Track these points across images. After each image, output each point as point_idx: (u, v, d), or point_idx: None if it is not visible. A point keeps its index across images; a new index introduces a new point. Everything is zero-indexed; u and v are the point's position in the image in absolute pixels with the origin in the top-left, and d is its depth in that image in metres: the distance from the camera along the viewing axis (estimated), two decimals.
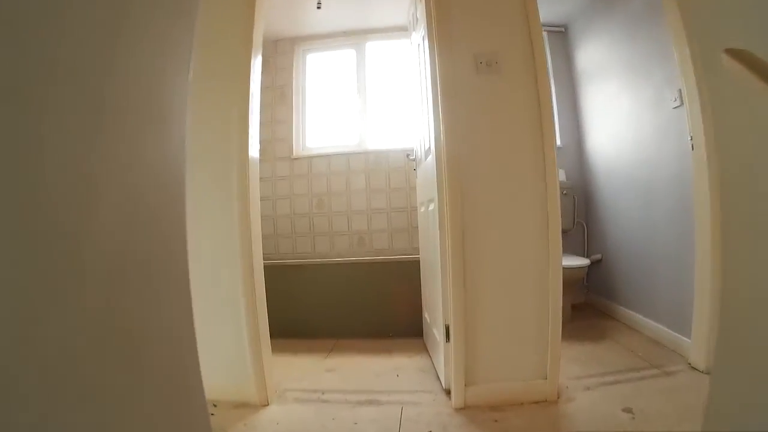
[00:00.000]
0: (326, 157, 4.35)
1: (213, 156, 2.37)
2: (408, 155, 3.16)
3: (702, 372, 2.36)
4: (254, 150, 2.41)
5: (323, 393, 2.46)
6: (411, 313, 3.36)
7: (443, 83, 2.16)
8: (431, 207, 2.50)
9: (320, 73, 4.62)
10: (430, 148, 2.40)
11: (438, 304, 2.42)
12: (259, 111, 2.56)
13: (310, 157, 4.40)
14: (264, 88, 4.40)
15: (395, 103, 4.36)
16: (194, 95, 2.35)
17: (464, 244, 2.18)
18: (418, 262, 3.31)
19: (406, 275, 3.41)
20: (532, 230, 2.19)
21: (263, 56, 2.78)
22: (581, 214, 4.12)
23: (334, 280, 3.54)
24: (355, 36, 4.46)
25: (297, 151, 4.48)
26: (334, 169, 4.32)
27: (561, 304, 2.18)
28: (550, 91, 2.22)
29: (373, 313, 3.45)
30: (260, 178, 4.55)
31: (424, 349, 3.06)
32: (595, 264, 3.83)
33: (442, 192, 2.23)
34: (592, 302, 3.99)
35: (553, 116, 2.24)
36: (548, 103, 2.14)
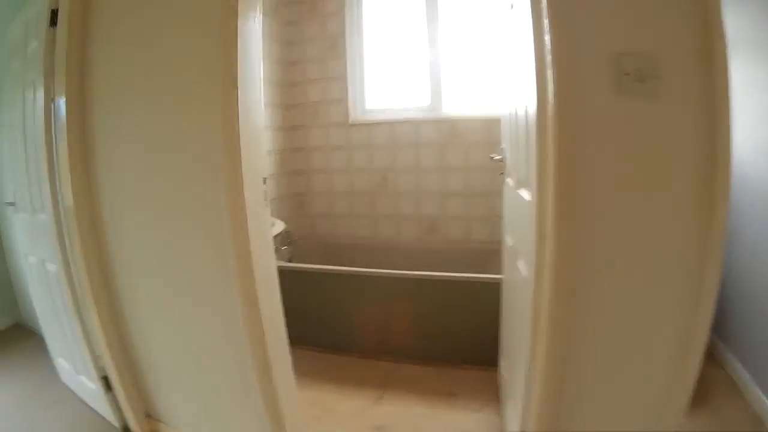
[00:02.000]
0: (390, 124, 3.64)
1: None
2: (492, 157, 2.38)
3: None
4: (254, 115, 1.62)
5: None
6: (484, 338, 2.76)
7: (559, 111, 1.23)
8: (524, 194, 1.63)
9: (381, 19, 3.76)
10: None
11: (522, 330, 1.57)
12: (267, 60, 1.89)
13: (371, 124, 3.70)
14: (309, 39, 3.68)
15: (476, 57, 3.53)
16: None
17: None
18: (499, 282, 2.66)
19: (483, 295, 2.76)
20: None
21: None
22: None
23: (395, 292, 2.95)
24: None
25: (355, 115, 3.76)
26: (400, 139, 3.62)
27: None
28: (731, 130, 1.16)
29: (437, 334, 2.88)
30: (313, 148, 4.03)
31: (496, 396, 2.51)
32: None
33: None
34: None
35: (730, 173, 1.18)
36: (727, 156, 1.17)
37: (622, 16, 1.21)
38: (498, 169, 2.26)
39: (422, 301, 2.85)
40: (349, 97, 3.72)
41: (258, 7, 1.59)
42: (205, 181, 1.59)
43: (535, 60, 1.27)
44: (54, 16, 1.86)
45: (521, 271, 1.61)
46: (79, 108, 1.84)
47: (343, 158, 3.79)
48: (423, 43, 3.57)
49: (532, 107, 1.32)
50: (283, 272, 3.05)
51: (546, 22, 1.23)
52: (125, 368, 2.08)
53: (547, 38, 1.23)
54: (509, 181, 2.00)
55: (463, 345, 2.79)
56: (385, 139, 3.65)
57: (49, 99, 1.90)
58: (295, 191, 3.97)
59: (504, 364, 2.30)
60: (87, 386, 2.33)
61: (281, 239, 3.63)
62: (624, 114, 1.22)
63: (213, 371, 1.84)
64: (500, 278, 2.42)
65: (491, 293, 2.47)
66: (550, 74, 1.22)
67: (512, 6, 1.71)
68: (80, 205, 1.88)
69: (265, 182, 1.69)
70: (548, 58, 1.23)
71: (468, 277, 2.72)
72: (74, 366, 2.41)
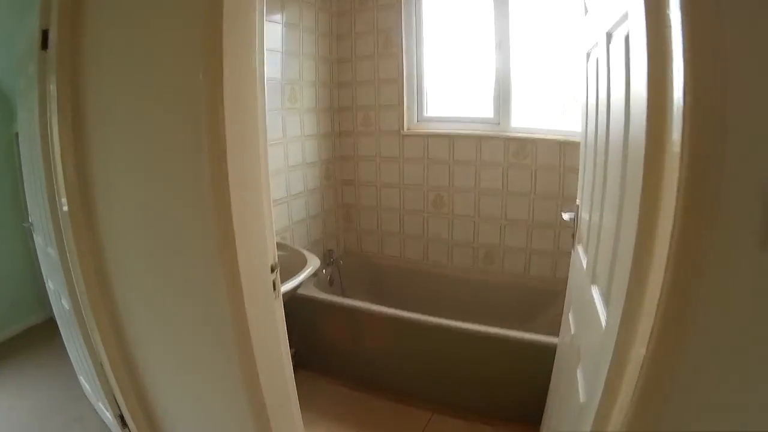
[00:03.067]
0: (448, 137, 3.22)
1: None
2: (563, 216, 1.93)
3: None
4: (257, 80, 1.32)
5: None
6: (530, 394, 2.41)
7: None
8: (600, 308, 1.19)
9: (442, 14, 3.28)
10: None
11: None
12: None
13: (426, 135, 3.30)
14: (359, 33, 3.25)
15: (553, 64, 3.01)
16: None
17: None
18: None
19: (534, 353, 2.34)
20: None
21: None
22: None
23: (438, 339, 2.64)
24: None
25: (409, 124, 3.37)
26: (459, 155, 3.21)
27: None
28: None
29: (480, 385, 2.56)
30: (362, 157, 3.66)
31: None
32: None
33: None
34: None
35: None
36: None
37: None
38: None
39: (467, 352, 2.54)
40: (403, 102, 3.31)
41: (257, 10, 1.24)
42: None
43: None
44: (45, 37, 1.58)
45: (579, 390, 1.25)
46: (75, 147, 1.57)
47: (394, 171, 3.44)
48: (489, 45, 3.07)
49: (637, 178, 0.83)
50: (317, 301, 2.87)
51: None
52: (140, 411, 1.91)
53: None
54: (580, 254, 1.61)
55: (507, 400, 2.49)
56: (442, 153, 3.25)
57: (46, 132, 1.65)
58: (342, 202, 3.68)
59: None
60: (104, 411, 2.26)
61: (323, 258, 3.41)
62: None
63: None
64: (555, 343, 2.08)
65: (543, 353, 2.15)
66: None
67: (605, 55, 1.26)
68: (83, 252, 1.66)
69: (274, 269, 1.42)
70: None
71: (519, 337, 2.37)
72: (94, 392, 2.34)
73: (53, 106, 1.54)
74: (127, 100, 1.43)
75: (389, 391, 2.77)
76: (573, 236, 1.79)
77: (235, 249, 1.21)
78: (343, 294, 3.51)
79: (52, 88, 1.53)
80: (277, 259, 1.43)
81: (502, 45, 3.02)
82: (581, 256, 1.57)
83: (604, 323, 1.07)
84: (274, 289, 1.42)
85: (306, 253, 2.53)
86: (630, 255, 0.83)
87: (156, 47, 1.31)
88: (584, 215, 1.59)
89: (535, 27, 2.98)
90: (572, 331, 1.64)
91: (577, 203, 1.75)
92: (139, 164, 1.46)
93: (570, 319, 1.72)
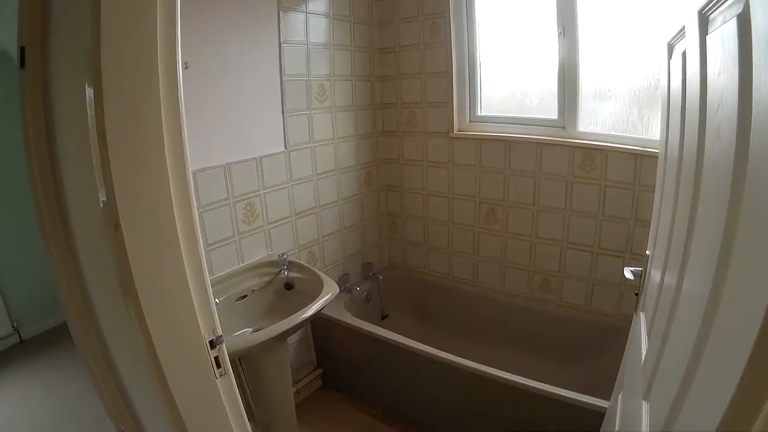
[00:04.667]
0: (504, 142, 2.79)
1: None
2: (624, 275, 1.47)
3: None
4: None
5: None
6: None
7: None
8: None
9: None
10: None
11: None
12: None
13: (480, 139, 2.88)
14: (402, 19, 2.87)
15: (630, 55, 2.48)
16: None
17: None
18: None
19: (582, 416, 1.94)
20: None
21: None
22: None
23: (482, 389, 2.27)
24: None
25: (460, 123, 2.97)
26: (516, 163, 2.78)
27: None
28: None
29: None
30: (407, 161, 3.24)
31: None
32: None
33: None
34: None
35: None
36: None
37: None
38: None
39: (509, 403, 2.19)
40: (453, 100, 2.91)
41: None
42: None
43: None
44: (23, 54, 1.34)
45: None
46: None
47: (442, 178, 3.05)
48: (553, 35, 2.59)
49: None
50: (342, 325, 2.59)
51: None
52: None
53: None
54: (641, 327, 1.19)
55: None
56: (497, 160, 2.82)
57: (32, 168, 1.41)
58: (386, 210, 3.34)
59: None
60: None
61: (362, 270, 3.11)
62: None
63: None
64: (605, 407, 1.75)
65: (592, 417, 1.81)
66: None
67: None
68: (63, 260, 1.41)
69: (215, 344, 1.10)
70: None
71: (567, 397, 1.98)
72: None
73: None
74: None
75: (416, 427, 2.55)
76: (637, 296, 1.36)
77: (146, 322, 0.91)
78: (382, 312, 3.21)
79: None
80: (220, 332, 1.12)
81: (567, 32, 2.53)
82: (642, 333, 1.15)
83: None
84: (219, 366, 1.12)
85: (324, 277, 2.26)
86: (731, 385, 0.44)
87: None
88: (655, 275, 1.14)
89: (608, 9, 2.48)
90: (620, 405, 1.25)
91: (647, 252, 1.32)
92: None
93: (618, 408, 1.31)
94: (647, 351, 1.04)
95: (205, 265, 1.06)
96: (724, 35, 0.64)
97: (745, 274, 0.49)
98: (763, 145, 0.46)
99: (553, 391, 2.02)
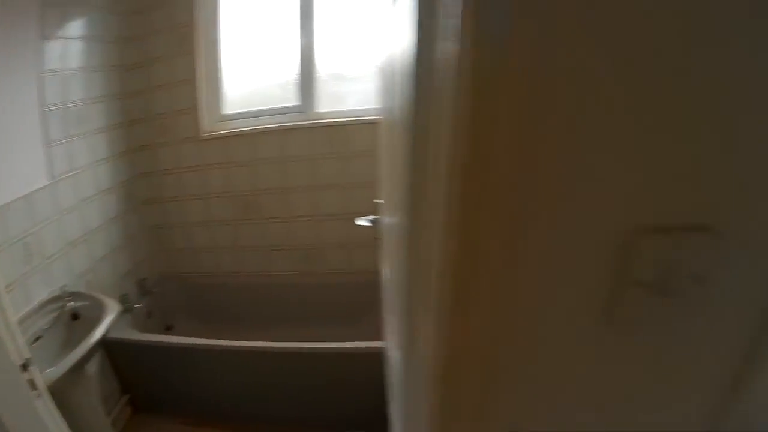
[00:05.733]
0: (251, 136, 2.94)
1: None
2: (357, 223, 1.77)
3: None
4: None
5: None
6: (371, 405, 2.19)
7: None
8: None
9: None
10: None
11: None
12: None
13: (227, 137, 2.99)
14: (151, 33, 2.88)
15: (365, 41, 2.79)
16: None
17: None
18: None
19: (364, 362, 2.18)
20: None
21: None
22: None
23: (260, 364, 2.39)
24: None
25: (208, 123, 3.04)
26: (263, 153, 2.93)
27: None
28: None
29: (317, 399, 2.41)
30: (163, 171, 3.17)
31: None
32: None
33: None
34: None
35: None
36: None
37: None
38: None
39: (294, 368, 2.37)
40: (202, 102, 2.97)
41: None
42: None
43: None
44: None
45: None
46: None
47: (196, 181, 3.10)
48: (294, 17, 2.81)
49: None
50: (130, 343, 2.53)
51: None
52: None
53: None
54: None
55: (343, 412, 2.37)
56: (244, 154, 2.95)
57: None
58: (150, 224, 3.27)
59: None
60: None
61: (137, 288, 3.03)
62: None
63: None
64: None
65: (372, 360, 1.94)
66: None
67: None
68: None
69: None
70: None
71: (341, 347, 2.22)
72: None
73: None
74: None
75: (229, 418, 2.60)
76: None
77: None
78: (165, 324, 3.16)
79: None
80: (28, 354, 1.24)
81: (304, 18, 2.79)
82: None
83: None
84: (35, 388, 1.25)
85: (104, 298, 2.23)
86: None
87: None
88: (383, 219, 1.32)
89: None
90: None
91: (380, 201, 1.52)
92: None
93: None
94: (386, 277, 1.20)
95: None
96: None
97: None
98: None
99: (330, 346, 2.23)
